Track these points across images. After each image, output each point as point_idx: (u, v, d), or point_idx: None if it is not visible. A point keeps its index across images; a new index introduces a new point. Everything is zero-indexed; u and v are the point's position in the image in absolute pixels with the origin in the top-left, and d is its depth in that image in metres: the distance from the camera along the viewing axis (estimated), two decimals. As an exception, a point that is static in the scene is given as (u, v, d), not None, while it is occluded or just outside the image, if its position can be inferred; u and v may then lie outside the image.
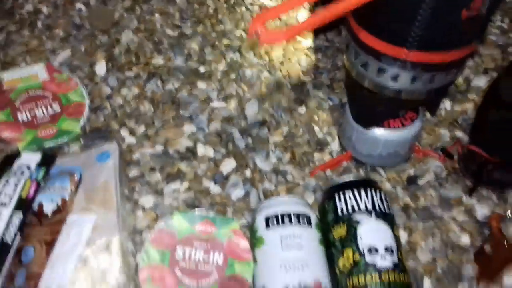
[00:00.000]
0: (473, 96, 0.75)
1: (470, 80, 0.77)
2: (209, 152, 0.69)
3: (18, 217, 0.53)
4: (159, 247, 0.55)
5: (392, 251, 0.52)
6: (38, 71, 0.72)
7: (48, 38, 0.82)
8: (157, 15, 0.87)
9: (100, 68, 0.78)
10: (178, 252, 0.55)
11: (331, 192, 0.58)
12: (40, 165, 0.59)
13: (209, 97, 0.75)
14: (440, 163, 0.68)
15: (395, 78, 0.55)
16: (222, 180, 0.66)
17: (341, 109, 0.74)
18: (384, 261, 0.51)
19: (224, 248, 0.56)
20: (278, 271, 0.52)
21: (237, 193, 0.65)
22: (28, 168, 0.58)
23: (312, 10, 0.85)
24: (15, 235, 0.52)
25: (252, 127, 0.71)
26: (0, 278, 0.50)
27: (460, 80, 0.76)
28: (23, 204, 0.54)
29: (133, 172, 0.66)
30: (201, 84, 0.76)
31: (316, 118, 0.74)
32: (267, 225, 0.56)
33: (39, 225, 0.54)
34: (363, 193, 0.56)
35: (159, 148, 0.69)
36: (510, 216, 0.61)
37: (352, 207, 0.55)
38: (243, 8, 0.89)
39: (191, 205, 0.63)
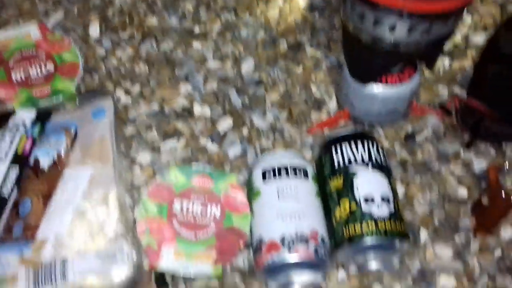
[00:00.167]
0: (472, 53, 0.74)
1: (469, 37, 0.76)
2: (206, 111, 0.69)
3: (14, 171, 0.53)
4: (157, 200, 0.55)
5: (388, 200, 0.52)
6: (31, 31, 0.71)
7: (40, 1, 0.81)
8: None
9: (94, 29, 0.77)
10: (176, 205, 0.55)
11: (328, 145, 0.58)
12: (35, 121, 0.58)
13: (204, 57, 0.74)
14: (438, 120, 0.67)
15: (392, 29, 0.54)
16: (219, 138, 0.66)
17: (338, 69, 0.73)
18: (381, 210, 0.52)
19: (222, 201, 0.56)
20: (274, 221, 0.52)
21: (234, 151, 0.65)
22: (23, 124, 0.58)
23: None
24: (12, 189, 0.52)
25: (249, 86, 0.71)
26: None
27: (458, 37, 0.75)
28: (19, 160, 0.54)
29: (129, 130, 0.66)
30: (196, 45, 0.75)
31: (313, 77, 0.73)
32: (264, 178, 0.56)
33: (36, 178, 0.54)
34: (359, 145, 0.56)
35: (155, 107, 0.68)
36: (507, 168, 0.62)
37: (349, 159, 0.55)
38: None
39: (188, 163, 0.63)
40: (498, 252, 0.56)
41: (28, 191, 0.53)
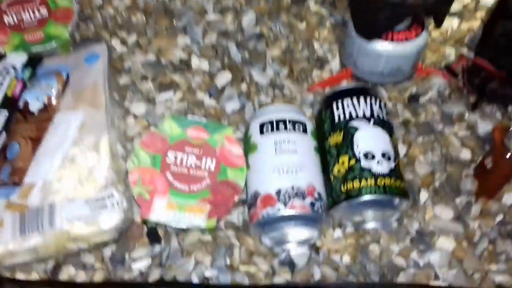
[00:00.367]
0: (481, 14, 0.71)
1: (479, -2, 0.73)
2: (204, 64, 0.66)
3: (3, 115, 0.52)
4: (150, 150, 0.54)
5: (389, 157, 0.51)
6: (24, -26, 0.68)
7: None
8: None
9: (91, -23, 0.74)
10: (170, 157, 0.54)
11: (329, 100, 0.56)
12: (26, 65, 0.56)
13: (204, 9, 0.71)
14: (443, 81, 0.65)
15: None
16: (217, 92, 0.64)
17: (343, 27, 0.70)
18: (380, 166, 0.50)
19: (217, 153, 0.54)
20: (270, 175, 0.50)
21: (232, 105, 0.63)
22: (14, 68, 0.55)
23: None
24: (0, 132, 0.51)
25: (249, 40, 0.68)
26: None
27: (468, -2, 0.73)
28: (8, 103, 0.52)
29: (124, 80, 0.63)
30: (196, -5, 0.73)
31: (316, 34, 0.71)
32: (262, 131, 0.54)
33: (25, 122, 0.52)
34: (361, 100, 0.54)
35: (151, 57, 0.66)
36: (514, 130, 0.60)
37: (350, 114, 0.53)
38: None
39: (184, 116, 0.61)
40: (499, 217, 0.55)
41: (16, 135, 0.51)
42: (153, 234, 0.54)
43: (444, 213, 0.55)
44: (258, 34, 0.69)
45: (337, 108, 0.54)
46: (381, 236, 0.53)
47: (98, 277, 0.51)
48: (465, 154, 0.59)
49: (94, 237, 0.47)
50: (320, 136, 0.55)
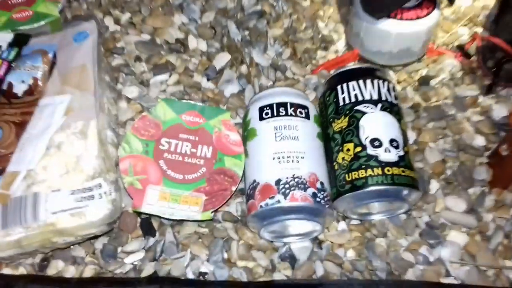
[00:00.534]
0: (498, -9, 0.67)
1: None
2: (202, 45, 0.63)
3: (-15, 98, 0.48)
4: (142, 136, 0.50)
5: (397, 145, 0.47)
6: (11, -51, 0.64)
7: None
8: None
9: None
10: (163, 143, 0.50)
11: (333, 83, 0.52)
12: (12, 45, 0.53)
13: (202, -14, 0.67)
14: (456, 62, 0.61)
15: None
16: (215, 75, 0.61)
17: (349, 5, 0.66)
18: (388, 154, 0.46)
19: (213, 140, 0.51)
20: (270, 163, 0.47)
21: (231, 89, 0.60)
22: (-1, 47, 0.52)
23: None
24: (-18, 117, 0.47)
25: (250, 18, 0.65)
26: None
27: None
28: (-9, 85, 0.49)
29: (117, 61, 0.60)
30: (194, -28, 0.69)
31: (321, 13, 0.67)
32: (261, 115, 0.50)
33: (8, 105, 0.49)
34: (368, 83, 0.50)
35: (146, 36, 0.62)
36: (531, 115, 0.56)
37: (356, 97, 0.50)
38: None
39: (182, 99, 0.58)
40: (515, 208, 0.51)
41: (-1, 119, 0.48)
42: (147, 226, 0.51)
43: (456, 204, 0.51)
44: (259, 12, 0.65)
45: (342, 91, 0.51)
46: (389, 229, 0.50)
47: (89, 272, 0.48)
48: (479, 141, 0.55)
49: (81, 231, 0.44)
50: (324, 122, 0.52)
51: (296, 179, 0.46)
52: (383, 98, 0.49)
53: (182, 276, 0.48)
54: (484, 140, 0.55)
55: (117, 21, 0.64)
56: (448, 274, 0.48)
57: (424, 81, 0.60)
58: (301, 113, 0.50)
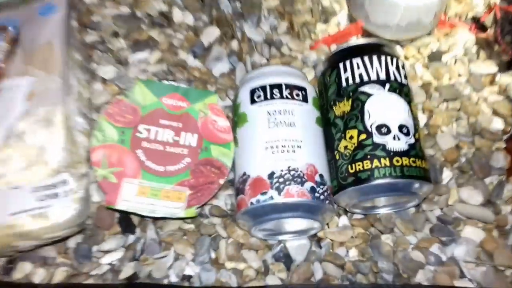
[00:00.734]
0: (518, -45, 0.61)
1: None
2: (188, 18, 0.58)
3: None
4: (118, 123, 0.45)
5: (407, 131, 0.42)
6: None
7: None
8: None
9: None
10: (141, 131, 0.45)
11: (335, 60, 0.46)
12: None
13: (188, -50, 0.61)
14: (470, 36, 0.56)
15: None
16: (202, 51, 0.56)
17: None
18: (397, 142, 0.41)
19: (199, 126, 0.46)
20: (262, 154, 0.42)
21: (220, 67, 0.55)
22: (-48, 23, 0.46)
23: None
24: None
25: (241, -13, 0.59)
26: None
27: None
28: None
29: (91, 37, 0.54)
30: None
31: (321, -19, 0.61)
32: (252, 99, 0.45)
33: (-38, 90, 0.43)
34: (375, 60, 0.45)
35: (124, 9, 0.57)
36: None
37: (360, 76, 0.44)
38: None
39: (165, 80, 0.52)
40: (537, 200, 0.46)
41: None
42: (126, 222, 0.46)
43: (471, 196, 0.46)
44: (251, -19, 0.59)
45: (345, 70, 0.45)
46: (396, 224, 0.45)
47: (60, 275, 0.44)
48: (497, 124, 0.50)
49: (44, 234, 0.39)
50: (324, 105, 0.46)
51: (291, 172, 0.40)
52: (392, 77, 0.44)
53: (164, 278, 0.43)
54: (502, 123, 0.50)
55: (92, -7, 0.57)
56: (462, 275, 0.43)
57: (435, 56, 0.55)
58: (297, 95, 0.44)
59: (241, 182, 0.42)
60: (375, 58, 0.44)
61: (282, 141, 0.42)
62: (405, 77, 0.45)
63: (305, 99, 0.45)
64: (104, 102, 0.50)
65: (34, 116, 0.41)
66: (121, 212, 0.45)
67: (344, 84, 0.44)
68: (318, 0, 0.59)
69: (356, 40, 0.55)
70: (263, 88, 0.44)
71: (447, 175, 0.47)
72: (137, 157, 0.44)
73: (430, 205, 0.46)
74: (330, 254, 0.44)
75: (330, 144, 0.44)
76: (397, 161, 0.40)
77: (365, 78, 0.44)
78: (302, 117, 0.44)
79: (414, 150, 0.41)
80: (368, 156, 0.41)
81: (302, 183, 0.40)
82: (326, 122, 0.45)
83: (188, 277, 0.43)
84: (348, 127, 0.43)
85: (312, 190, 0.40)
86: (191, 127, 0.46)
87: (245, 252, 0.44)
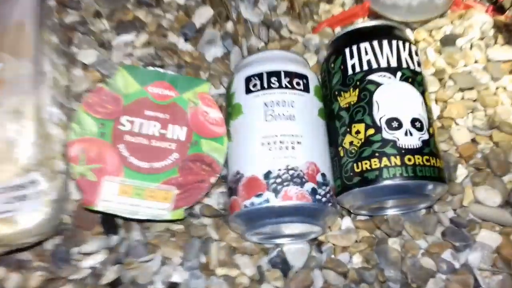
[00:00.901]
0: None
1: None
2: (178, -4, 0.53)
3: None
4: (97, 114, 0.41)
5: (421, 125, 0.38)
6: None
7: None
8: None
9: None
10: (124, 123, 0.41)
11: (339, 44, 0.42)
12: None
13: None
14: (487, 18, 0.52)
15: None
16: (194, 34, 0.52)
17: None
18: (410, 138, 0.37)
19: (188, 118, 0.42)
20: (258, 150, 0.38)
21: (214, 51, 0.51)
22: None
23: None
24: None
25: (237, -37, 0.54)
26: None
27: None
28: None
29: (71, 18, 0.50)
30: None
31: (324, -44, 0.56)
32: (248, 88, 0.40)
33: None
34: (385, 45, 0.40)
35: (107, -13, 0.52)
36: None
37: (369, 63, 0.40)
38: None
39: (151, 65, 0.48)
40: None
41: None
42: (109, 222, 0.42)
43: (488, 196, 0.42)
44: (248, -44, 0.54)
45: (352, 56, 0.41)
46: (404, 227, 0.41)
47: (36, 280, 0.40)
48: (517, 116, 0.46)
49: (13, 240, 0.35)
50: (328, 95, 0.42)
51: (290, 171, 0.36)
52: (404, 65, 0.39)
53: (149, 284, 0.40)
54: (523, 115, 0.46)
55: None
56: (477, 285, 0.40)
57: (448, 41, 0.51)
58: (298, 84, 0.40)
59: (234, 181, 0.38)
60: (385, 42, 0.40)
61: (280, 136, 0.38)
62: (419, 64, 0.41)
63: (306, 89, 0.40)
64: (85, 90, 0.46)
65: (2, 107, 0.37)
66: (101, 212, 0.41)
67: (350, 71, 0.40)
68: (321, -23, 0.55)
69: (364, 22, 0.51)
70: (260, 76, 0.40)
71: (461, 172, 0.43)
72: (118, 153, 0.40)
73: (442, 206, 0.42)
74: (332, 261, 0.40)
75: (333, 139, 0.40)
76: (409, 159, 0.36)
77: (374, 65, 0.39)
78: (303, 109, 0.39)
79: (428, 147, 0.37)
80: (377, 154, 0.37)
81: (302, 184, 0.36)
82: (329, 115, 0.41)
83: (175, 285, 0.40)
84: (354, 120, 0.38)
85: (313, 191, 0.36)
86: (179, 119, 0.42)
87: (238, 257, 0.40)
